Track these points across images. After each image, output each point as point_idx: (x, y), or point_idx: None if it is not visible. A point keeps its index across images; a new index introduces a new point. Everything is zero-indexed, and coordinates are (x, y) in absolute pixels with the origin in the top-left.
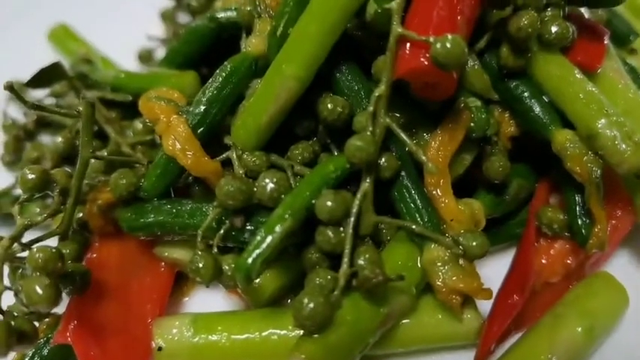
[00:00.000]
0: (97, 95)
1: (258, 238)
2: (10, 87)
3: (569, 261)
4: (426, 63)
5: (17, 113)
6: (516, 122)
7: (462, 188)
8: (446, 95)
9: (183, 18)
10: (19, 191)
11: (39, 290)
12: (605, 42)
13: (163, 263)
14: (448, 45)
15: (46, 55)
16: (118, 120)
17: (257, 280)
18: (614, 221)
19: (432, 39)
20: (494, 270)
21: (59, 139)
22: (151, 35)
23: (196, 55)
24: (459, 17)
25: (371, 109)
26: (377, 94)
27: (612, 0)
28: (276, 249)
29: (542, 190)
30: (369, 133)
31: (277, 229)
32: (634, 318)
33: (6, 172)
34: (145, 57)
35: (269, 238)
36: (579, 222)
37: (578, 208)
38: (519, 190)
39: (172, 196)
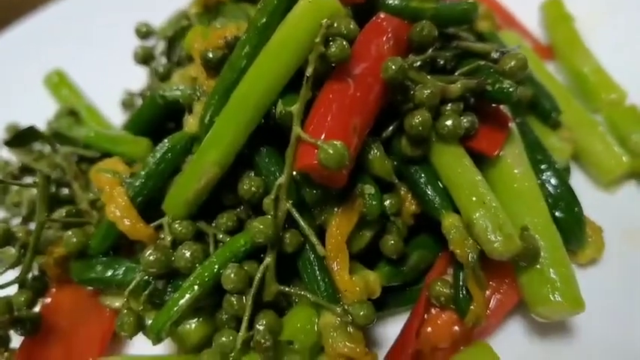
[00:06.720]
0: (70, 150)
1: (170, 303)
2: None
3: (455, 329)
4: (315, 162)
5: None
6: (417, 201)
7: (370, 257)
8: (339, 185)
9: None
10: None
11: None
12: (507, 129)
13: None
14: (331, 151)
15: (42, 98)
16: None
17: (188, 327)
18: (499, 296)
19: (319, 143)
20: (395, 330)
21: (34, 190)
22: (127, 89)
23: (152, 122)
24: (351, 121)
25: (273, 196)
26: (278, 183)
27: (505, 98)
28: (185, 313)
29: (441, 262)
30: (270, 216)
31: (187, 296)
32: None
33: None
34: (128, 104)
35: (178, 305)
36: (460, 297)
37: (460, 284)
38: (419, 261)
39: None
